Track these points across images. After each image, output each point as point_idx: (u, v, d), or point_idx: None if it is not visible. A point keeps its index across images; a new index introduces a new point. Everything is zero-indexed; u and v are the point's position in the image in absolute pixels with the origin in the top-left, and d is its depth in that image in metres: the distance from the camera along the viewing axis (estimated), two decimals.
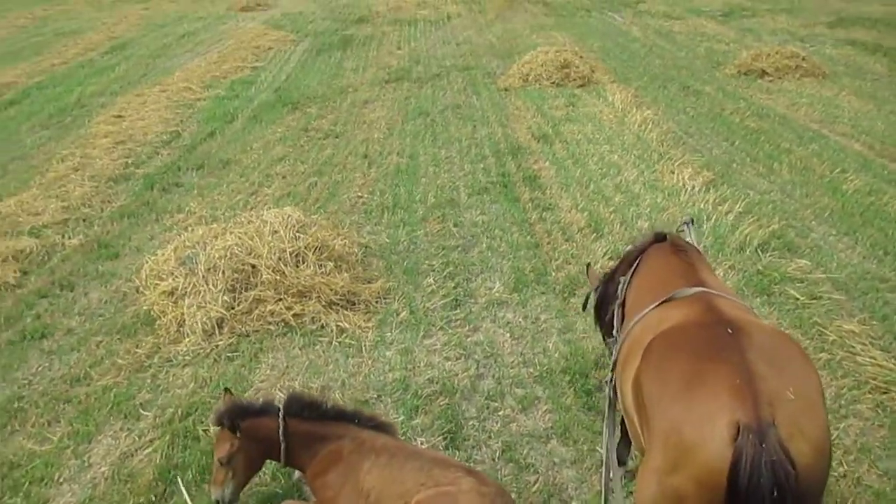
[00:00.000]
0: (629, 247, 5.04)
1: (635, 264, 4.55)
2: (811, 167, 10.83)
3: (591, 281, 5.30)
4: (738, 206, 9.12)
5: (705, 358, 3.11)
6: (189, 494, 4.91)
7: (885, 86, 15.59)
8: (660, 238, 4.57)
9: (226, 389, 4.80)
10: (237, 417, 4.33)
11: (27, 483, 5.15)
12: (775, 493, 2.68)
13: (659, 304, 3.84)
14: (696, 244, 4.74)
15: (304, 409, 4.40)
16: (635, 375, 3.49)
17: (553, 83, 16.01)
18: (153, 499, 4.93)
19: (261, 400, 4.68)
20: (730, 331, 3.22)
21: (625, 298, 4.49)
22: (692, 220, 5.28)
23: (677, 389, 3.10)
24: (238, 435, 4.32)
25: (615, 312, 4.58)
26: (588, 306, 5.36)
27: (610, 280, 4.94)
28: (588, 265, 5.64)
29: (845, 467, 5.05)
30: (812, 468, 2.78)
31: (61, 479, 5.22)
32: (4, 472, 5.28)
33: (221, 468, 4.36)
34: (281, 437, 4.32)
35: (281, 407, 4.42)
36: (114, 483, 5.13)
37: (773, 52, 17.09)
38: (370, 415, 4.69)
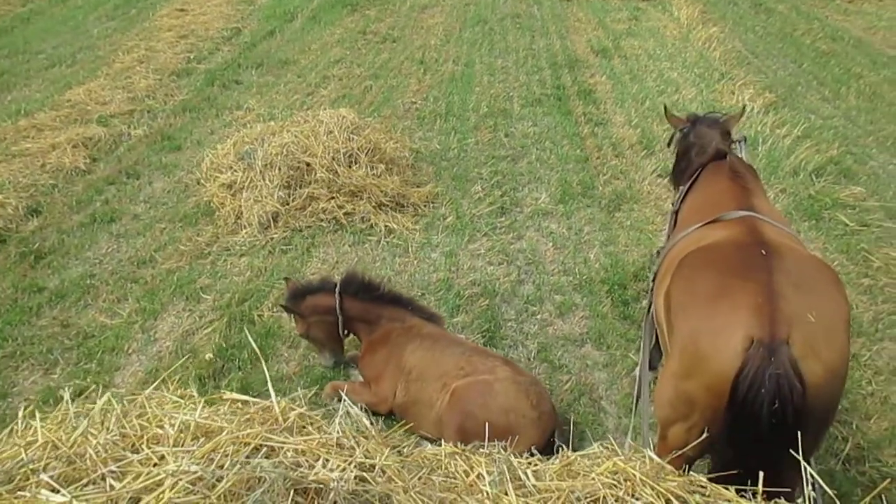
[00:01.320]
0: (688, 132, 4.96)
1: (694, 177, 4.59)
2: (881, 94, 10.49)
3: (674, 122, 5.16)
4: (797, 129, 8.96)
5: (733, 274, 3.21)
6: (244, 371, 5.31)
7: None
8: (720, 155, 4.59)
9: (285, 278, 5.16)
10: (297, 298, 4.69)
11: (100, 352, 5.62)
12: (776, 405, 2.81)
13: (704, 224, 3.93)
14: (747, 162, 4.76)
15: (359, 288, 4.71)
16: (667, 286, 3.61)
17: None
18: (212, 373, 5.33)
19: (318, 278, 5.02)
20: (763, 252, 3.30)
21: (678, 209, 4.58)
22: (745, 139, 5.25)
23: (701, 301, 3.22)
24: (303, 312, 4.70)
25: (670, 219, 4.69)
26: (672, 144, 5.23)
27: (697, 122, 4.89)
28: (665, 107, 5.45)
29: (874, 386, 5.20)
30: (822, 388, 2.89)
31: (130, 351, 5.67)
32: (80, 341, 5.76)
33: (310, 342, 4.79)
34: (337, 312, 4.66)
35: (338, 283, 4.74)
36: (177, 357, 5.55)
37: None
38: (422, 304, 4.99)
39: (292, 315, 4.87)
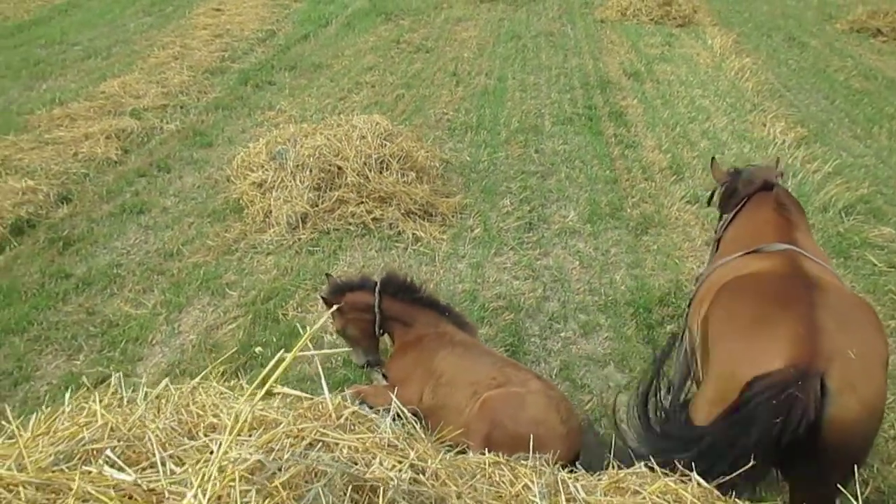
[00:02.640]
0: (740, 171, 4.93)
1: (739, 206, 4.57)
2: None
3: (717, 175, 5.09)
4: (827, 166, 8.89)
5: (774, 304, 3.19)
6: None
7: None
8: (767, 187, 4.56)
9: (327, 275, 5.19)
10: (337, 293, 4.70)
11: (124, 341, 5.64)
12: (777, 421, 2.77)
13: (745, 254, 3.90)
14: None
15: (399, 289, 4.71)
16: (705, 312, 3.58)
17: (652, 20, 15.57)
18: (235, 369, 5.34)
19: (359, 276, 5.01)
20: (805, 285, 3.28)
21: (720, 237, 4.56)
22: (782, 174, 5.23)
23: (741, 328, 3.20)
24: (341, 309, 4.70)
25: (712, 246, 4.67)
26: (714, 201, 5.18)
27: (735, 175, 4.88)
28: (713, 159, 5.33)
29: None
30: (857, 424, 2.87)
31: (154, 342, 5.70)
32: (104, 329, 5.80)
33: (345, 339, 4.77)
34: (375, 310, 4.66)
35: (378, 282, 4.74)
36: (200, 351, 5.57)
37: (891, 10, 16.10)
38: (458, 312, 4.98)
39: (330, 311, 4.85)
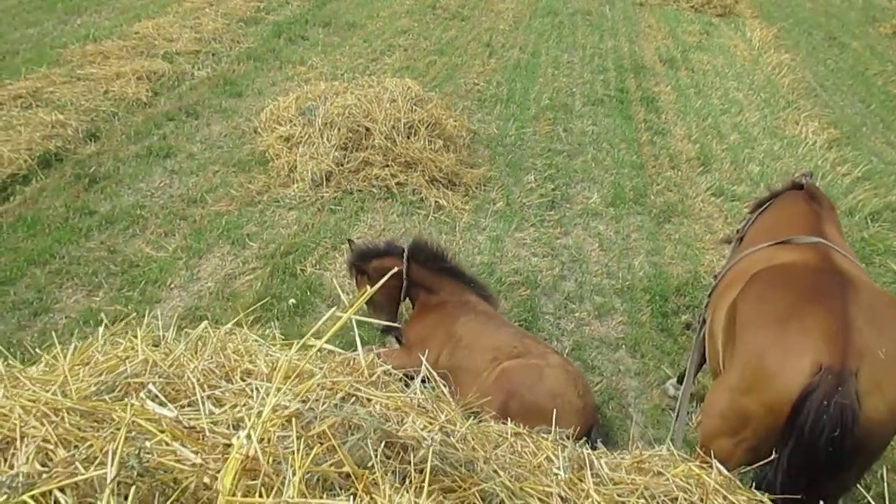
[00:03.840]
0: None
1: (766, 205, 4.56)
2: None
3: (750, 206, 5.06)
4: (857, 170, 8.81)
5: (807, 298, 3.17)
6: (282, 322, 5.35)
7: None
8: (797, 186, 4.54)
9: (349, 240, 5.17)
10: (364, 261, 4.71)
11: (143, 282, 5.70)
12: (836, 433, 2.78)
13: (774, 244, 3.89)
14: None
15: (427, 257, 4.72)
16: (734, 300, 3.55)
17: (692, 7, 15.36)
18: (250, 321, 5.38)
19: (384, 242, 5.01)
20: (838, 281, 3.27)
21: (744, 235, 4.53)
22: (811, 174, 5.18)
23: (772, 319, 3.18)
24: (368, 274, 4.70)
25: (733, 244, 4.64)
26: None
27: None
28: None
29: None
30: (881, 425, 2.87)
31: (172, 285, 5.74)
32: (124, 268, 5.85)
33: (368, 304, 4.80)
34: (403, 277, 4.66)
35: (406, 249, 4.74)
36: (217, 299, 5.62)
37: None
38: (482, 283, 4.99)
39: (356, 275, 4.86)
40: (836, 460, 2.78)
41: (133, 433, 1.50)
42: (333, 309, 1.90)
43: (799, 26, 15.40)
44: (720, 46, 13.41)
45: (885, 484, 4.78)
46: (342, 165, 7.27)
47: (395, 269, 4.41)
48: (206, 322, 2.31)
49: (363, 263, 4.75)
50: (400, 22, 12.64)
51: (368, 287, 4.79)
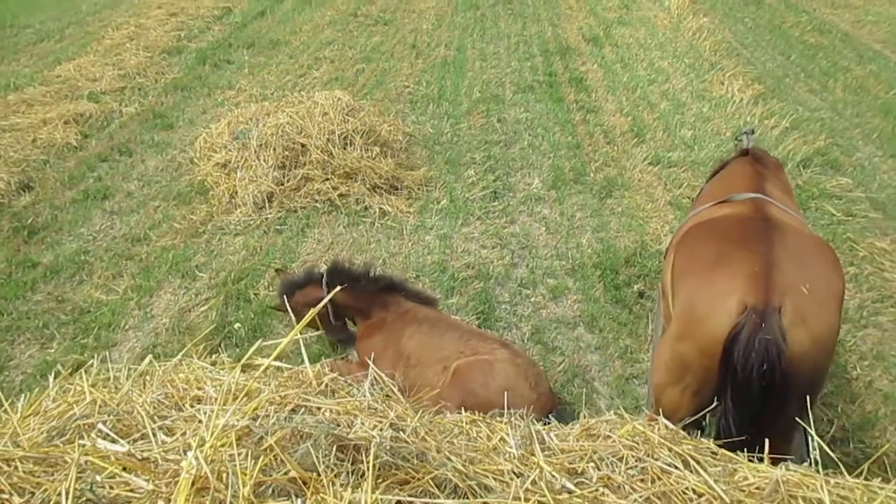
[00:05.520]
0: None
1: (717, 170, 4.76)
2: (866, 87, 10.66)
3: None
4: (785, 121, 9.10)
5: (733, 245, 3.35)
6: (241, 348, 5.35)
7: None
8: (744, 153, 4.76)
9: (276, 270, 5.17)
10: (288, 294, 4.71)
11: (96, 328, 5.64)
12: (764, 368, 2.94)
13: (715, 204, 4.06)
14: None
15: (346, 278, 4.68)
16: (672, 257, 3.73)
17: None
18: (212, 348, 5.37)
19: (305, 271, 4.99)
20: (765, 227, 3.43)
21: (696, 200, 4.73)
22: (753, 131, 5.39)
23: (702, 268, 3.36)
24: (294, 307, 4.69)
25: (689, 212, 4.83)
26: None
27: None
28: None
29: (859, 371, 5.34)
30: (806, 356, 3.02)
31: (126, 327, 5.70)
32: (75, 316, 5.78)
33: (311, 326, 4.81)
34: (326, 304, 4.64)
35: (324, 275, 4.74)
36: (174, 333, 5.59)
37: None
38: (415, 288, 5.02)
39: (289, 307, 4.85)
40: (771, 393, 2.94)
41: (86, 472, 1.53)
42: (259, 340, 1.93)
43: None
44: (640, 18, 13.68)
45: (846, 416, 5.01)
46: (282, 185, 7.27)
47: (325, 301, 4.44)
48: (150, 356, 2.33)
49: (289, 297, 4.74)
50: (323, 34, 12.64)
51: (299, 318, 4.77)
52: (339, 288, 3.93)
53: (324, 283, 4.73)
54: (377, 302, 4.74)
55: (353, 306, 4.76)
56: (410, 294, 4.84)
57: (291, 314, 4.81)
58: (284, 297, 4.82)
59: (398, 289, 4.81)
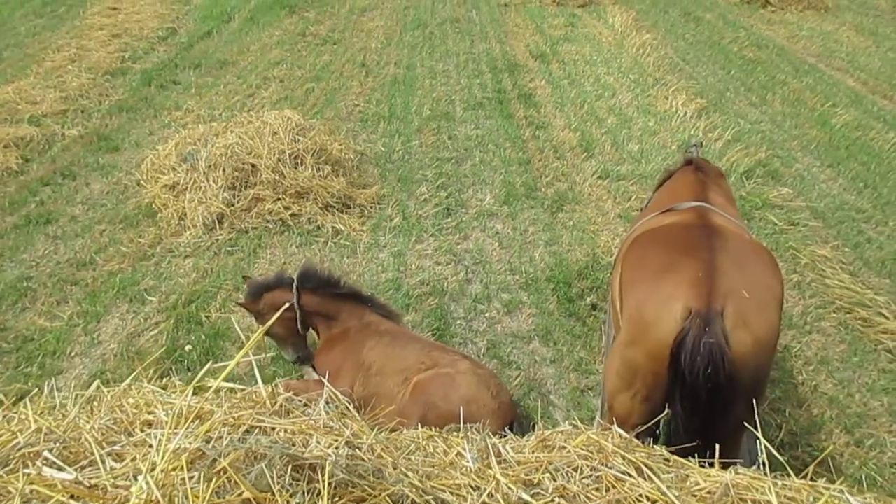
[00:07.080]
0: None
1: (662, 181, 4.89)
2: (803, 100, 11.02)
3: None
4: (727, 133, 9.36)
5: (678, 251, 3.46)
6: (192, 371, 5.25)
7: (886, 22, 15.64)
8: (688, 162, 4.90)
9: (244, 277, 5.13)
10: (255, 296, 4.67)
11: (41, 356, 5.47)
12: (709, 370, 3.02)
13: (659, 213, 4.16)
14: None
15: (318, 283, 4.71)
16: (621, 265, 3.81)
17: (554, 1, 15.92)
18: (163, 372, 5.26)
19: (275, 274, 4.98)
20: (707, 234, 3.54)
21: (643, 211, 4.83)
22: (701, 144, 5.55)
23: (649, 275, 3.44)
24: (261, 309, 4.66)
25: (634, 222, 4.94)
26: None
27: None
28: None
29: (805, 376, 5.49)
30: (749, 357, 3.11)
31: (73, 354, 5.54)
32: (19, 345, 5.60)
33: (272, 339, 4.76)
34: (295, 307, 4.64)
35: (295, 278, 4.73)
36: (123, 360, 5.46)
37: None
38: (380, 301, 5.02)
39: (253, 313, 4.83)
40: (717, 396, 3.02)
41: (32, 501, 1.48)
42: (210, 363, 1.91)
43: (655, 7, 16.18)
44: (586, 35, 13.94)
45: (794, 420, 5.13)
46: (233, 205, 7.18)
47: (287, 305, 4.42)
48: (97, 381, 2.27)
49: (256, 300, 4.72)
50: (272, 54, 12.57)
51: (264, 322, 4.78)
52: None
53: (295, 286, 4.72)
54: (344, 309, 4.76)
55: (320, 312, 4.76)
56: (376, 306, 4.86)
57: (255, 318, 4.79)
58: (251, 297, 4.79)
59: (364, 300, 4.83)
